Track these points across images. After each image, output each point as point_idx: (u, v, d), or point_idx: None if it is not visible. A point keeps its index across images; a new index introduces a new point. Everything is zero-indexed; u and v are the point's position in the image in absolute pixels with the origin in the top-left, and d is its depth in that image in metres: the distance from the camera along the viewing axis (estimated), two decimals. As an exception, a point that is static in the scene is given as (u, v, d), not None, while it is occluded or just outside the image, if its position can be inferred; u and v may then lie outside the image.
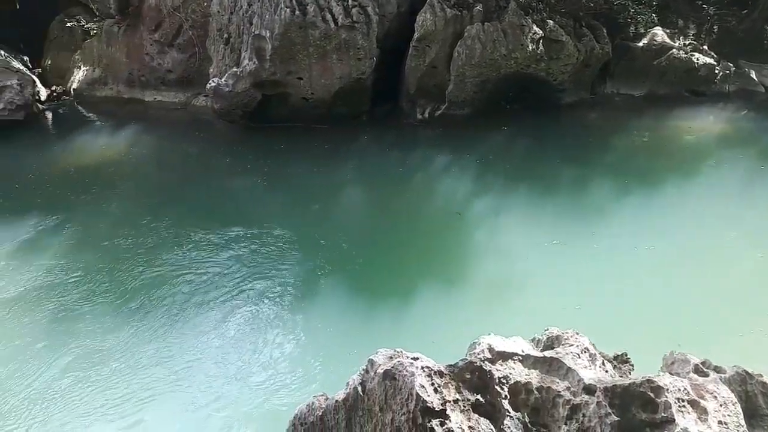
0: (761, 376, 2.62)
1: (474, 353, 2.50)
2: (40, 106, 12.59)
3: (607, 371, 2.51)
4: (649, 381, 2.30)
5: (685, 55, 13.36)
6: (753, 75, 13.72)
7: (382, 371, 2.47)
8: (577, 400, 2.36)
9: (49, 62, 13.97)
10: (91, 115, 12.68)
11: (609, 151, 10.83)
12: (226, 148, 11.30)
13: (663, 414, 2.27)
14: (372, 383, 2.52)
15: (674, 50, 13.32)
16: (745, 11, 14.44)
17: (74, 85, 13.34)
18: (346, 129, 11.43)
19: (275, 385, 5.58)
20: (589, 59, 12.50)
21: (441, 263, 7.43)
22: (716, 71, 13.59)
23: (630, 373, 2.82)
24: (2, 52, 12.87)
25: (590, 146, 10.94)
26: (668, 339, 4.88)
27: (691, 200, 8.81)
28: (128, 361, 5.75)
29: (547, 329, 2.72)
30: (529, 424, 2.43)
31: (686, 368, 2.62)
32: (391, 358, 2.56)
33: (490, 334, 2.58)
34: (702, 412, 2.32)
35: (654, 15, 13.31)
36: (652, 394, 2.29)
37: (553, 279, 6.80)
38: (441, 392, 2.40)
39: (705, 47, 13.88)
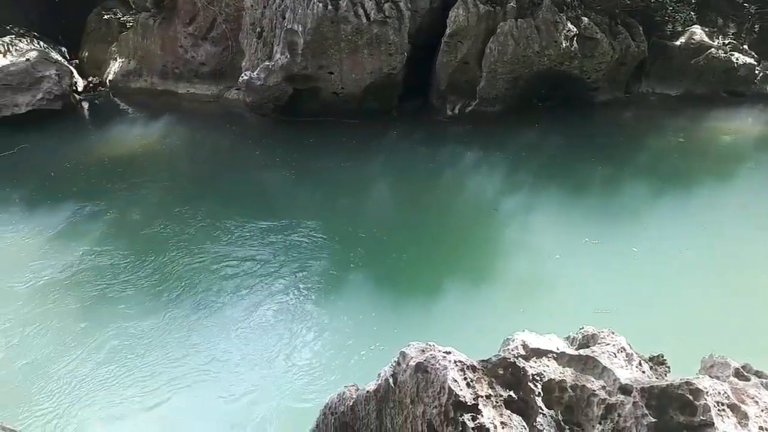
0: (804, 382, 2.54)
1: (508, 349, 2.47)
2: (77, 96, 12.86)
3: (644, 372, 2.46)
4: (688, 383, 2.25)
5: (724, 55, 13.03)
6: (795, 76, 13.33)
7: (414, 364, 2.47)
8: (613, 399, 2.32)
9: (87, 54, 14.26)
10: (125, 106, 12.90)
11: (643, 151, 10.62)
12: (257, 140, 11.39)
13: (701, 417, 2.22)
14: (404, 375, 2.52)
15: (713, 49, 13.00)
16: (789, 10, 14.02)
17: (110, 77, 13.58)
18: (376, 124, 11.43)
19: (302, 375, 5.62)
20: (624, 57, 12.28)
21: (470, 260, 7.39)
22: (756, 71, 13.23)
23: (666, 375, 2.77)
24: (42, 44, 13.18)
25: (624, 146, 10.75)
26: (703, 343, 4.77)
27: (728, 203, 8.60)
28: (160, 346, 5.88)
29: (582, 327, 2.68)
30: (562, 422, 2.40)
31: (726, 372, 2.56)
32: (423, 351, 2.56)
33: (524, 330, 2.55)
34: (742, 417, 2.26)
35: (693, 13, 13.00)
36: (690, 397, 2.23)
37: (585, 278, 6.71)
38: (473, 387, 2.39)
39: (745, 47, 13.52)
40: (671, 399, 2.25)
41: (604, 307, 6.04)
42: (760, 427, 2.30)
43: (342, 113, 11.66)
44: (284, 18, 11.20)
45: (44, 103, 11.79)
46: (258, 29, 11.81)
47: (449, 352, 2.48)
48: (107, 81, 13.61)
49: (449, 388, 2.33)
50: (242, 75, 11.76)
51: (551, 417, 2.41)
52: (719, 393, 2.28)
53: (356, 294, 6.82)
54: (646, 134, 11.23)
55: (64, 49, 13.92)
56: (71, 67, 13.22)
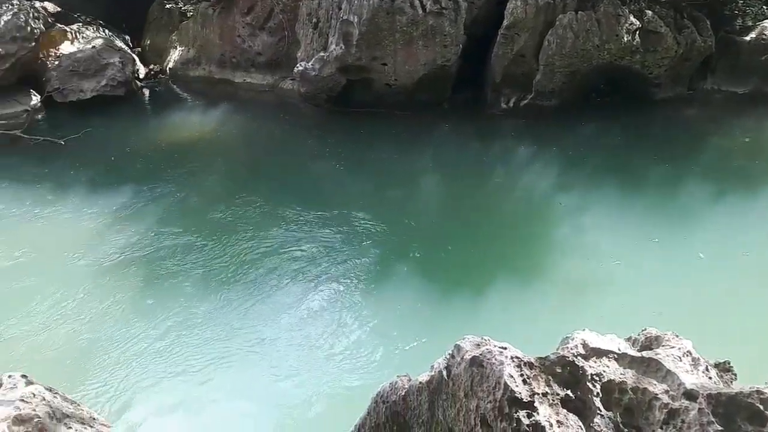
0: None
1: (567, 347, 2.42)
2: (138, 83, 13.27)
3: (710, 378, 2.37)
4: (759, 392, 2.15)
5: (798, 52, 12.38)
6: None
7: (469, 357, 2.44)
8: (676, 404, 2.25)
9: (148, 42, 14.69)
10: (184, 93, 13.25)
11: (706, 150, 10.22)
12: (310, 130, 11.53)
13: (772, 428, 2.12)
14: (458, 369, 2.50)
15: (786, 45, 12.36)
16: None
17: (170, 65, 13.96)
18: (428, 116, 11.38)
19: (347, 362, 5.71)
20: (689, 53, 11.81)
21: (520, 257, 7.29)
22: (832, 69, 12.51)
23: (731, 383, 2.66)
24: (107, 32, 13.66)
25: (686, 144, 10.36)
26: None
27: (797, 208, 8.20)
28: (214, 326, 6.07)
29: (645, 329, 2.59)
30: (620, 425, 2.33)
31: (799, 382, 2.43)
32: (478, 345, 2.53)
33: (584, 329, 2.50)
34: (816, 430, 2.15)
35: (765, 7, 12.39)
36: (761, 406, 2.14)
37: (641, 280, 6.52)
38: (530, 384, 2.35)
39: (821, 43, 12.79)
40: (740, 408, 2.16)
41: (659, 310, 5.85)
42: (836, 443, 2.19)
43: (394, 105, 11.65)
44: (340, 9, 11.26)
45: (108, 89, 12.22)
46: (314, 20, 11.91)
47: (506, 348, 2.45)
48: (167, 69, 13.99)
49: (505, 383, 2.30)
50: (297, 65, 11.89)
51: (609, 418, 2.35)
52: (791, 404, 2.18)
53: (404, 286, 6.83)
54: (710, 133, 10.79)
55: (127, 37, 14.38)
56: (134, 55, 13.66)
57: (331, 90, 11.68)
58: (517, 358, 2.39)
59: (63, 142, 10.47)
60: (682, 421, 2.21)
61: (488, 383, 2.36)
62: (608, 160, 9.67)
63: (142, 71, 13.80)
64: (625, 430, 2.32)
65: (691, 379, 2.28)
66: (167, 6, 14.47)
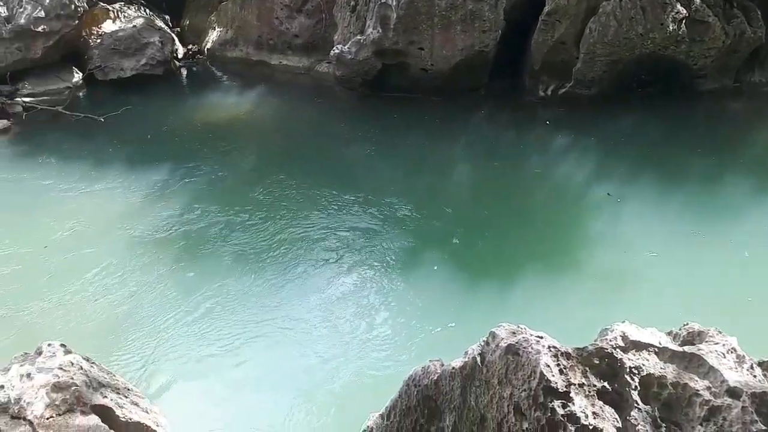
0: None
1: (606, 339, 2.38)
2: (177, 63, 13.41)
3: (755, 376, 2.30)
4: (806, 393, 2.08)
5: None
6: None
7: (505, 345, 2.42)
8: (718, 402, 2.19)
9: (187, 22, 14.82)
10: (221, 74, 13.35)
11: (752, 145, 9.85)
12: (343, 114, 11.52)
13: (820, 430, 2.05)
14: (492, 356, 2.48)
15: (841, 37, 11.83)
16: None
17: (208, 45, 14.06)
18: (463, 102, 11.25)
19: (378, 346, 5.75)
20: (737, 44, 11.39)
21: (554, 248, 7.18)
22: None
23: (775, 382, 2.58)
24: (147, 11, 13.83)
25: (730, 138, 10.01)
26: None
27: None
28: (246, 307, 6.16)
29: (687, 324, 2.53)
30: (658, 419, 2.29)
31: None
32: (514, 333, 2.50)
33: (624, 321, 2.44)
34: None
35: (821, -4, 11.85)
36: (808, 408, 2.07)
37: (680, 274, 6.36)
38: (566, 374, 2.31)
39: None
40: (786, 408, 2.10)
41: (704, 306, 5.70)
42: None
43: (429, 90, 11.53)
44: (378, -8, 11.15)
45: (147, 68, 12.39)
46: (352, 3, 11.83)
47: (542, 337, 2.42)
48: (205, 49, 14.10)
49: (541, 372, 2.28)
50: (334, 48, 11.85)
51: (647, 413, 2.30)
52: (841, 407, 2.10)
53: (436, 273, 6.81)
54: (757, 127, 10.41)
55: (167, 17, 14.51)
56: (173, 35, 13.80)
57: (367, 74, 11.63)
58: (554, 347, 2.35)
59: (102, 119, 10.67)
60: (724, 419, 2.16)
61: (523, 372, 2.34)
62: (647, 152, 9.41)
63: (180, 51, 13.94)
64: (663, 425, 2.28)
65: (735, 377, 2.22)
66: (207, -14, 14.56)
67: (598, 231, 7.43)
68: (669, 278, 6.38)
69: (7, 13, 11.34)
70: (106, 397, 3.62)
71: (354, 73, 11.67)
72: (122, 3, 13.48)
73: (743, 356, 2.35)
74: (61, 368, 3.52)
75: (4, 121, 10.60)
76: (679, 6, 10.81)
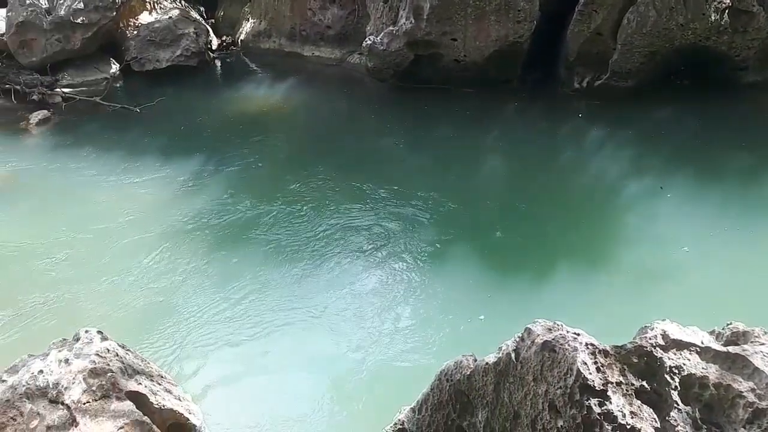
0: None
1: (645, 337, 2.32)
2: (211, 54, 13.55)
3: (803, 379, 2.22)
4: None
5: None
6: None
7: (540, 341, 2.38)
8: (764, 404, 2.12)
9: (222, 13, 14.96)
10: (254, 65, 13.44)
11: (797, 139, 9.54)
12: (374, 106, 11.49)
13: None
14: (528, 352, 2.44)
15: None
16: None
17: (242, 37, 14.17)
18: (495, 94, 11.11)
19: (406, 339, 5.73)
20: (782, 34, 11.00)
21: (586, 244, 7.04)
22: None
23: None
24: (183, 3, 13.99)
25: (773, 132, 9.71)
26: None
27: None
28: (278, 297, 6.21)
29: (731, 323, 2.45)
30: (699, 420, 2.22)
31: None
32: (550, 330, 2.46)
33: (664, 319, 2.38)
34: None
35: None
36: None
37: (721, 273, 6.18)
38: (604, 372, 2.27)
39: None
40: (836, 413, 2.02)
41: (745, 306, 5.53)
42: None
43: (461, 81, 11.41)
44: (412, -18, 11.06)
45: (182, 60, 12.55)
46: (385, -7, 11.77)
47: (579, 334, 2.37)
48: (239, 41, 14.22)
49: (578, 369, 2.23)
50: (366, 39, 11.81)
51: (687, 413, 2.24)
52: None
53: (465, 268, 6.75)
54: (802, 121, 10.06)
55: (202, 8, 14.71)
56: (208, 26, 13.95)
57: (398, 65, 11.56)
58: (591, 345, 2.31)
59: (138, 110, 10.86)
60: (769, 423, 2.08)
61: (559, 369, 2.30)
62: (685, 146, 9.16)
63: (214, 42, 14.08)
64: (704, 426, 2.21)
65: (781, 379, 2.14)
66: (241, -22, 14.66)
67: (636, 226, 7.26)
68: (710, 276, 6.21)
69: (47, 5, 11.59)
70: (140, 383, 3.69)
71: (386, 65, 11.61)
72: (158, -6, 13.66)
73: (790, 358, 2.27)
74: (98, 354, 3.60)
75: (45, 112, 10.86)
76: (722, -5, 10.48)
